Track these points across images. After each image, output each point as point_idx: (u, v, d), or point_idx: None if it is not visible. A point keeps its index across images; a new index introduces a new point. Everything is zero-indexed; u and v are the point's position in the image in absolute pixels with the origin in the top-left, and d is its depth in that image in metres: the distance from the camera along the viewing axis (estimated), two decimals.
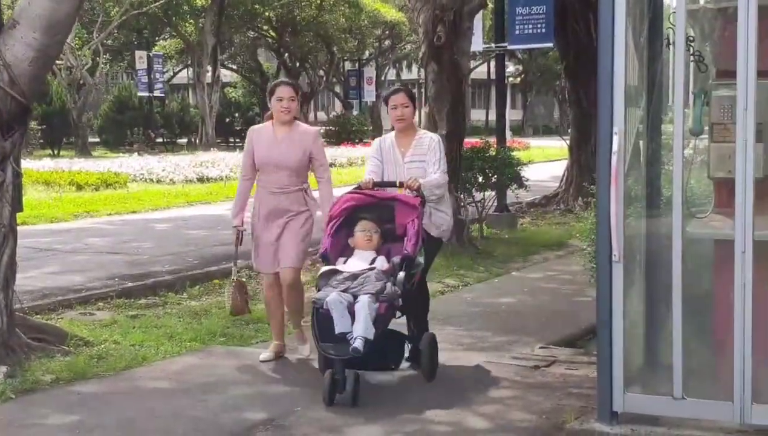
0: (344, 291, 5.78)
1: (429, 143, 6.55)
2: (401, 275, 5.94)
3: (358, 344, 5.52)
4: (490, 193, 13.49)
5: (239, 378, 6.32)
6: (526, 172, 13.33)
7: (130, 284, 9.86)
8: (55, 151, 37.58)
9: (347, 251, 6.25)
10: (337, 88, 55.73)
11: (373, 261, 6.10)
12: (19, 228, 6.85)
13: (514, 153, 13.92)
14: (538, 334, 7.57)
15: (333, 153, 29.66)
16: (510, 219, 14.67)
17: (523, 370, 6.47)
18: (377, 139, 6.91)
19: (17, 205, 6.81)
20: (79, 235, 14.06)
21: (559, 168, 19.79)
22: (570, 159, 17.85)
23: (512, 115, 48.90)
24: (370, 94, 48.87)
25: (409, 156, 6.54)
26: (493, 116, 22.68)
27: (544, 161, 29.28)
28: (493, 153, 13.16)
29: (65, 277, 10.39)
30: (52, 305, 8.79)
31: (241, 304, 6.90)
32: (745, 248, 4.69)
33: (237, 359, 6.85)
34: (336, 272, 5.99)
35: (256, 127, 6.97)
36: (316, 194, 6.81)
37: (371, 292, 5.75)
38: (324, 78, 50.15)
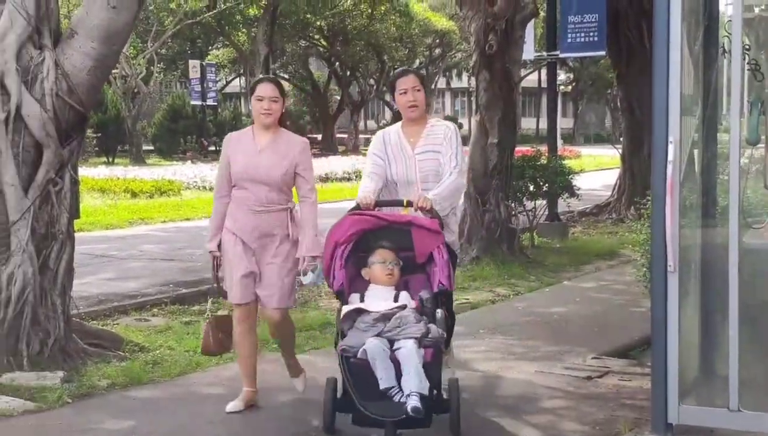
0: (377, 336, 4.81)
1: (444, 132, 5.62)
2: (440, 312, 5.01)
3: (414, 401, 4.53)
4: (541, 202, 13.43)
5: (291, 385, 6.35)
6: (578, 181, 13.26)
7: (184, 291, 9.96)
8: (110, 159, 38.14)
9: (359, 285, 5.23)
10: (387, 97, 55.86)
11: (396, 298, 5.09)
12: (75, 235, 6.97)
13: (566, 161, 13.84)
14: (590, 344, 7.50)
15: None
16: (561, 228, 14.58)
17: (575, 380, 6.42)
18: (379, 133, 5.81)
19: (74, 212, 6.93)
20: (134, 242, 14.26)
21: (611, 177, 19.63)
22: (622, 168, 17.71)
23: (563, 123, 48.59)
24: None
25: (421, 146, 5.61)
26: (543, 125, 22.58)
27: (596, 170, 29.08)
28: (545, 162, 13.11)
29: (121, 283, 10.54)
30: (108, 311, 8.92)
31: (213, 344, 5.91)
32: None
33: None
34: (361, 311, 4.96)
35: (234, 134, 5.87)
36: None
37: (415, 336, 4.75)
38: (374, 87, 50.29)
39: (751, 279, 5.11)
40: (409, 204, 5.34)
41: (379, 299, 5.04)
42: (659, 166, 4.89)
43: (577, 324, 8.43)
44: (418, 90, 5.61)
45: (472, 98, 17.64)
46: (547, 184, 12.85)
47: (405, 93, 5.61)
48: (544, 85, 21.27)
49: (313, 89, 49.17)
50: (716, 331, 5.22)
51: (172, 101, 43.59)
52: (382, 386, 4.59)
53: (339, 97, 50.16)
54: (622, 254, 12.49)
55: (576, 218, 16.83)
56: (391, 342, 4.75)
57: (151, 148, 43.62)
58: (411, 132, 5.67)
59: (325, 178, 26.41)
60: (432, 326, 4.84)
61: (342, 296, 5.10)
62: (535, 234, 13.31)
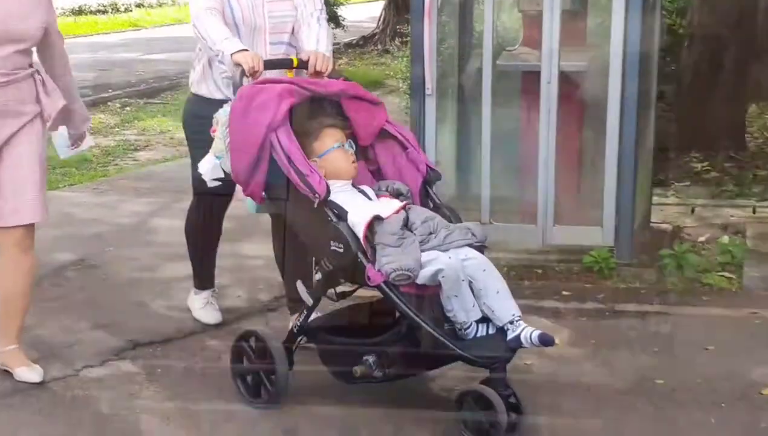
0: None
1: None
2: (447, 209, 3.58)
3: (532, 329, 3.24)
4: None
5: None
6: (343, 12, 13.20)
7: None
8: None
9: None
10: None
11: (365, 195, 3.53)
12: None
13: None
14: None
15: None
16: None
17: None
18: None
19: None
20: None
21: (377, 9, 19.69)
22: None
23: None
24: None
25: None
26: None
27: (362, 2, 29.06)
28: None
29: None
30: None
31: None
32: (551, 79, 4.84)
33: None
34: (378, 219, 3.29)
35: None
36: None
37: (469, 241, 3.34)
38: None
39: (504, 101, 5.31)
40: (302, 65, 3.78)
41: (352, 199, 3.44)
42: None
43: None
44: None
45: None
46: None
47: None
48: None
49: None
50: (471, 151, 5.43)
51: None
52: (461, 319, 3.24)
53: None
54: (386, 85, 12.62)
55: (342, 49, 16.84)
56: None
57: None
58: None
59: (79, 12, 24.85)
60: (471, 224, 3.46)
61: (334, 204, 3.32)
62: None
